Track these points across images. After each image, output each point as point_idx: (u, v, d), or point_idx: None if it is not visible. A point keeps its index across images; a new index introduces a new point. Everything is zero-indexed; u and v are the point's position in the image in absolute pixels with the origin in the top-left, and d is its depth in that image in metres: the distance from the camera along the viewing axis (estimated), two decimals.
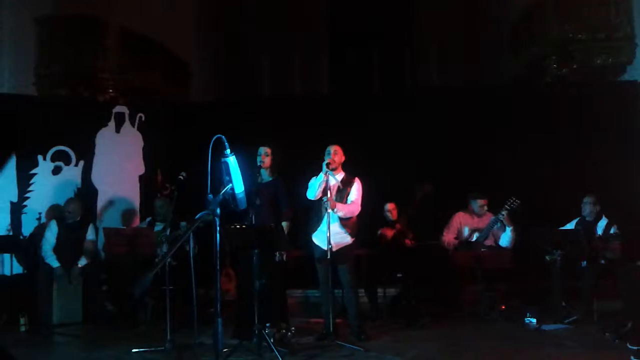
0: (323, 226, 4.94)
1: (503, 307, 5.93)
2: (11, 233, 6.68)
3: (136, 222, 7.18)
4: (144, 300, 6.06)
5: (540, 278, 5.96)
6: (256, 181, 5.12)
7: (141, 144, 7.53)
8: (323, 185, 4.91)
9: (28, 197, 6.84)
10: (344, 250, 5.04)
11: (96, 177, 7.26)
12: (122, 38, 9.10)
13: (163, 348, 4.72)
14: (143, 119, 7.57)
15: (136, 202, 7.40)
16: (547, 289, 5.81)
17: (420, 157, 7.27)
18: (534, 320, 5.44)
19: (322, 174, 4.94)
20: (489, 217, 6.13)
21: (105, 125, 7.40)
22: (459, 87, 10.21)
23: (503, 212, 5.87)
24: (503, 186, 6.51)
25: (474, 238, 6.11)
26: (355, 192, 5.09)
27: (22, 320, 5.78)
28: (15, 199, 6.80)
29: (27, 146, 6.95)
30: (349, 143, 5.29)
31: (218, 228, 3.60)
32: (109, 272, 6.40)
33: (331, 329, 4.86)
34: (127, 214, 7.27)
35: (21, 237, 6.66)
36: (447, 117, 7.41)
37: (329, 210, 4.85)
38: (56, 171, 7.05)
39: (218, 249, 3.60)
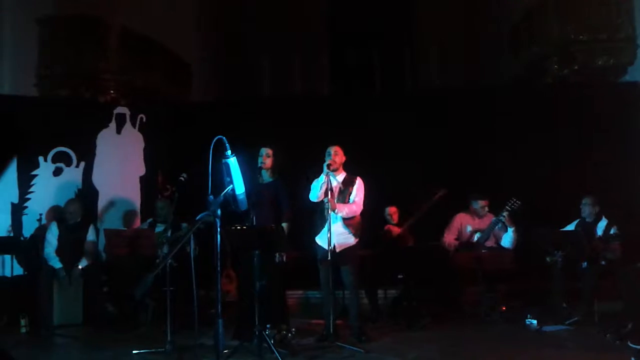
0: (327, 227, 4.94)
1: (504, 308, 5.93)
2: (12, 234, 6.67)
3: (137, 223, 7.18)
4: (144, 302, 6.06)
5: (541, 279, 5.95)
6: (257, 182, 5.14)
7: (142, 145, 7.53)
8: (325, 187, 4.92)
9: (29, 198, 6.84)
10: (348, 251, 5.04)
11: (97, 178, 7.25)
12: (123, 38, 9.09)
13: (164, 349, 4.72)
14: (144, 120, 7.57)
15: (137, 203, 7.40)
16: (548, 290, 5.80)
17: (421, 157, 7.27)
18: (535, 322, 5.44)
19: (323, 175, 4.94)
20: (489, 218, 6.13)
21: (106, 126, 7.39)
22: (459, 87, 10.19)
23: (504, 213, 5.87)
24: (503, 187, 6.51)
25: (475, 239, 6.12)
26: (358, 191, 5.10)
27: (22, 322, 5.80)
28: (16, 200, 6.79)
29: (28, 147, 6.93)
30: (349, 143, 5.29)
31: (219, 229, 3.61)
32: (110, 274, 6.39)
33: (331, 330, 4.86)
34: (128, 215, 7.27)
35: (22, 239, 6.65)
36: (447, 117, 7.41)
37: (331, 212, 4.85)
38: (57, 172, 7.05)
39: (219, 250, 3.60)
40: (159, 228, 6.21)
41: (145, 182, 7.46)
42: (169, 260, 4.58)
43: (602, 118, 7.13)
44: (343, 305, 5.85)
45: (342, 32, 13.10)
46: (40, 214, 6.76)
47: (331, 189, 4.91)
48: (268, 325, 4.63)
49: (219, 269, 3.65)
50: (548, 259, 5.70)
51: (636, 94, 7.38)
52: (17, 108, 7.00)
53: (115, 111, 7.48)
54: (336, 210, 4.93)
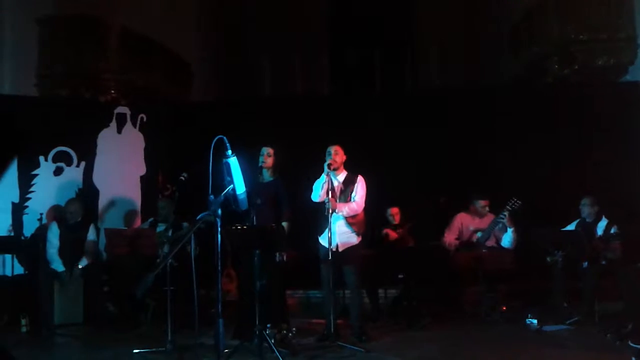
0: (328, 227, 4.93)
1: (504, 308, 5.92)
2: (12, 234, 6.67)
3: (137, 222, 7.18)
4: (145, 301, 6.06)
5: (542, 279, 5.95)
6: (257, 181, 5.14)
7: (142, 144, 7.53)
8: (326, 187, 4.92)
9: (29, 198, 6.84)
10: (350, 250, 5.04)
11: (97, 178, 7.25)
12: (123, 38, 9.10)
13: (164, 349, 4.72)
14: (144, 119, 7.57)
15: (137, 202, 7.39)
16: (548, 290, 5.80)
17: (421, 157, 7.26)
18: (535, 321, 5.43)
19: (324, 175, 4.95)
20: (490, 218, 6.13)
21: (107, 126, 7.39)
22: (459, 87, 10.19)
23: (504, 213, 5.87)
24: (503, 186, 6.51)
25: (476, 239, 6.12)
26: (359, 189, 5.10)
27: (23, 321, 5.79)
28: (16, 200, 6.79)
29: (29, 147, 6.93)
30: (349, 143, 5.29)
31: (219, 229, 3.61)
32: (110, 273, 6.39)
33: (332, 329, 4.86)
34: (129, 215, 7.27)
35: (22, 238, 6.65)
36: (447, 117, 7.40)
37: (331, 211, 4.85)
38: (57, 172, 7.04)
39: (219, 249, 3.61)
40: (160, 227, 6.20)
41: (146, 182, 7.46)
42: (170, 260, 4.58)
43: (603, 118, 7.13)
44: (343, 305, 5.84)
45: (342, 32, 13.12)
46: (41, 214, 6.75)
47: (332, 189, 4.92)
48: (268, 325, 4.62)
49: (219, 268, 3.65)
50: (548, 258, 5.69)
51: (637, 94, 7.37)
52: (17, 108, 7.00)
53: (116, 111, 7.48)
54: (337, 210, 4.93)
